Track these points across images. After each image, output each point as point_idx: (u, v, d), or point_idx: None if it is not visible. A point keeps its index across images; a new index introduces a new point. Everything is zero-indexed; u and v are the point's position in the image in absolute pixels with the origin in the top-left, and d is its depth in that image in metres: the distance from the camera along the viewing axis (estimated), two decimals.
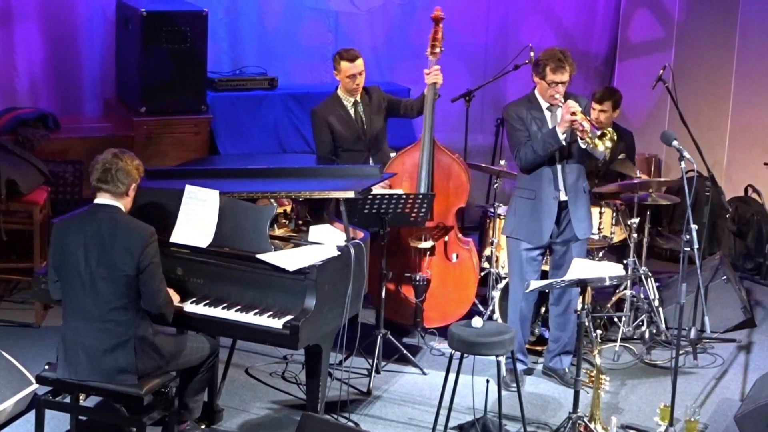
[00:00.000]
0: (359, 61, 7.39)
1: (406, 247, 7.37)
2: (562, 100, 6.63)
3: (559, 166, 6.73)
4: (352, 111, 7.47)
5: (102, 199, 5.44)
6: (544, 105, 6.76)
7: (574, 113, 6.49)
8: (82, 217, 5.48)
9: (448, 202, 7.40)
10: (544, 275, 7.04)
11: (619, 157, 8.04)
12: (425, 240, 7.38)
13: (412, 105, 7.58)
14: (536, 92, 6.79)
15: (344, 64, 7.38)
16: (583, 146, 6.58)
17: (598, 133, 6.44)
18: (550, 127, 6.69)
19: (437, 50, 7.41)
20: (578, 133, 6.54)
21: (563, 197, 6.76)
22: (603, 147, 6.48)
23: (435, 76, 7.38)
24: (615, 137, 6.48)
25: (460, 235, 7.53)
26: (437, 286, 7.44)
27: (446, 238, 7.42)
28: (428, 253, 7.42)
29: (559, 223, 6.79)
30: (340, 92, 7.50)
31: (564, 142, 6.58)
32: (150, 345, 5.42)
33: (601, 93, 8.08)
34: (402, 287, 7.38)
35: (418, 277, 7.36)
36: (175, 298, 5.66)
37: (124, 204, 5.45)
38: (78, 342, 5.39)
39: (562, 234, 6.82)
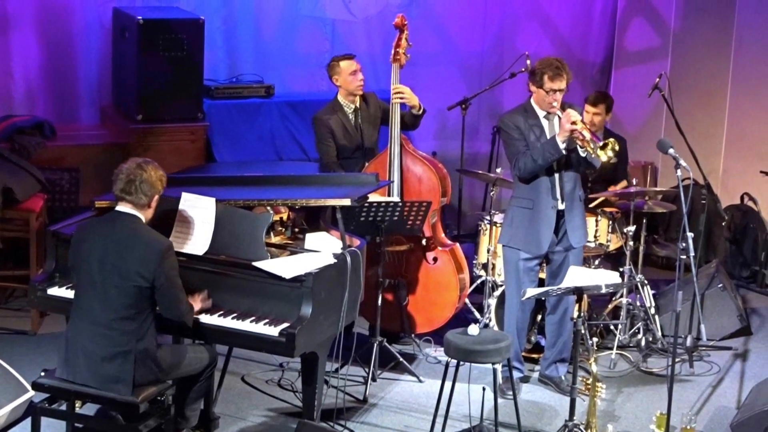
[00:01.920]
0: (355, 60, 7.45)
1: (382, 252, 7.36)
2: (560, 109, 6.64)
3: (557, 175, 6.73)
4: (352, 118, 7.48)
5: (123, 207, 5.44)
6: (541, 114, 6.75)
7: (574, 122, 6.49)
8: (102, 223, 5.49)
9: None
10: (540, 284, 7.04)
11: (611, 161, 8.03)
12: (399, 243, 7.37)
13: (403, 116, 7.57)
14: (532, 101, 6.78)
15: (345, 63, 7.42)
16: (583, 155, 6.58)
17: (600, 143, 6.44)
18: (548, 135, 6.69)
19: (400, 57, 7.40)
20: (578, 142, 6.54)
21: (560, 206, 6.76)
22: (606, 157, 6.48)
23: (397, 96, 7.37)
24: (617, 147, 6.48)
25: (441, 237, 7.53)
26: (418, 289, 7.44)
27: (423, 242, 7.41)
28: (405, 256, 7.42)
29: (556, 233, 6.79)
30: (340, 98, 7.50)
31: (564, 151, 6.58)
32: (151, 358, 5.41)
33: (594, 96, 8.11)
34: (384, 293, 7.35)
35: (394, 282, 7.36)
36: (196, 305, 5.66)
37: (145, 215, 5.46)
38: (80, 345, 5.40)
39: (560, 243, 6.82)
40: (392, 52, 7.42)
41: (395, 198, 7.30)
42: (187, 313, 5.49)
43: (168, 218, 5.84)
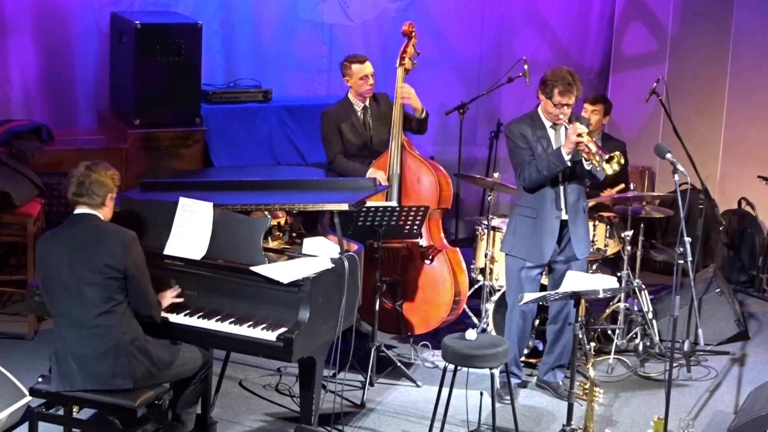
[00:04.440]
0: (368, 63, 7.54)
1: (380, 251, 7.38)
2: (567, 121, 6.62)
3: (561, 187, 6.71)
4: (361, 116, 7.58)
5: (80, 209, 5.48)
6: (548, 124, 6.73)
7: (580, 135, 6.48)
8: (63, 229, 5.52)
9: (419, 204, 7.36)
10: (542, 291, 7.04)
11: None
12: (395, 240, 7.39)
13: (411, 120, 7.61)
14: (539, 110, 6.75)
15: (356, 67, 7.50)
16: (588, 167, 6.57)
17: (606, 156, 6.43)
18: (555, 146, 6.67)
19: (405, 62, 7.48)
20: (584, 155, 6.53)
21: (564, 216, 6.75)
22: (611, 170, 6.47)
23: (403, 94, 7.44)
24: (623, 160, 6.47)
25: (440, 236, 7.54)
26: (414, 289, 7.45)
27: (421, 241, 7.42)
28: (401, 255, 7.43)
29: (559, 242, 6.78)
30: (350, 97, 7.60)
31: (569, 163, 6.57)
32: (140, 349, 5.42)
33: (594, 95, 8.22)
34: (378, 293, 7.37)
35: (391, 280, 7.37)
36: (164, 301, 5.68)
37: (103, 214, 5.49)
38: (69, 352, 5.40)
39: (563, 252, 6.80)
40: (398, 57, 7.51)
41: (393, 202, 7.31)
42: (154, 306, 5.52)
43: (165, 223, 5.84)
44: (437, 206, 7.48)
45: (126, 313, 5.44)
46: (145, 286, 5.46)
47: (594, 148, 6.47)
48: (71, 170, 5.53)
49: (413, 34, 7.53)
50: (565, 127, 6.63)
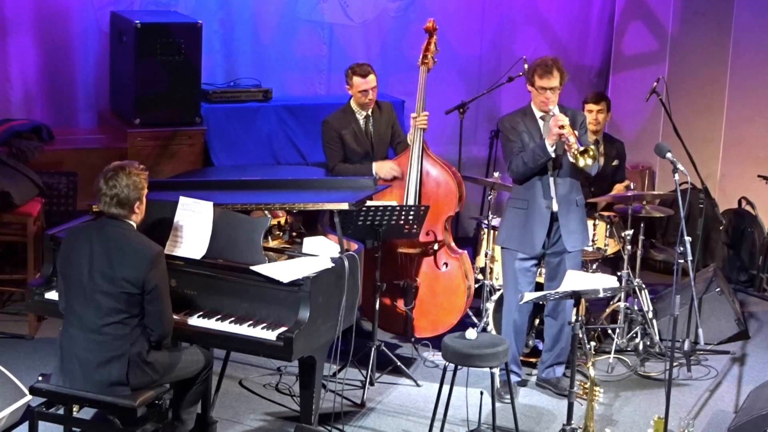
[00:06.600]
0: (371, 77, 7.44)
1: (394, 254, 7.38)
2: (556, 110, 6.64)
3: (551, 179, 6.75)
4: (363, 124, 7.51)
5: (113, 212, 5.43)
6: (539, 116, 6.78)
7: (562, 126, 6.52)
8: (92, 228, 5.47)
9: (438, 210, 7.38)
10: (539, 287, 7.05)
11: (613, 164, 8.09)
12: (413, 246, 7.38)
13: (403, 143, 7.59)
14: (532, 104, 6.81)
15: (356, 80, 7.42)
16: (572, 160, 6.60)
17: (581, 148, 6.47)
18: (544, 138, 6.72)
19: (428, 60, 7.46)
20: (566, 147, 6.57)
21: (555, 207, 6.78)
22: (583, 163, 6.50)
23: (422, 122, 7.39)
24: (596, 155, 6.52)
25: (452, 244, 7.54)
26: (426, 294, 7.44)
27: (436, 246, 7.42)
28: (416, 259, 7.43)
29: (550, 235, 6.81)
30: (353, 105, 7.53)
31: (553, 155, 6.61)
32: (144, 361, 5.41)
33: (594, 95, 8.24)
34: (390, 295, 7.37)
35: (404, 284, 7.37)
36: None
37: (134, 220, 5.45)
38: (74, 352, 5.40)
39: (554, 245, 6.83)
40: (421, 55, 7.47)
41: (393, 202, 7.31)
42: (166, 324, 5.45)
43: (166, 222, 5.84)
44: (454, 210, 7.48)
45: (137, 326, 5.39)
46: (162, 303, 5.40)
47: (573, 140, 6.52)
48: (97, 181, 5.39)
49: (436, 31, 7.50)
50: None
